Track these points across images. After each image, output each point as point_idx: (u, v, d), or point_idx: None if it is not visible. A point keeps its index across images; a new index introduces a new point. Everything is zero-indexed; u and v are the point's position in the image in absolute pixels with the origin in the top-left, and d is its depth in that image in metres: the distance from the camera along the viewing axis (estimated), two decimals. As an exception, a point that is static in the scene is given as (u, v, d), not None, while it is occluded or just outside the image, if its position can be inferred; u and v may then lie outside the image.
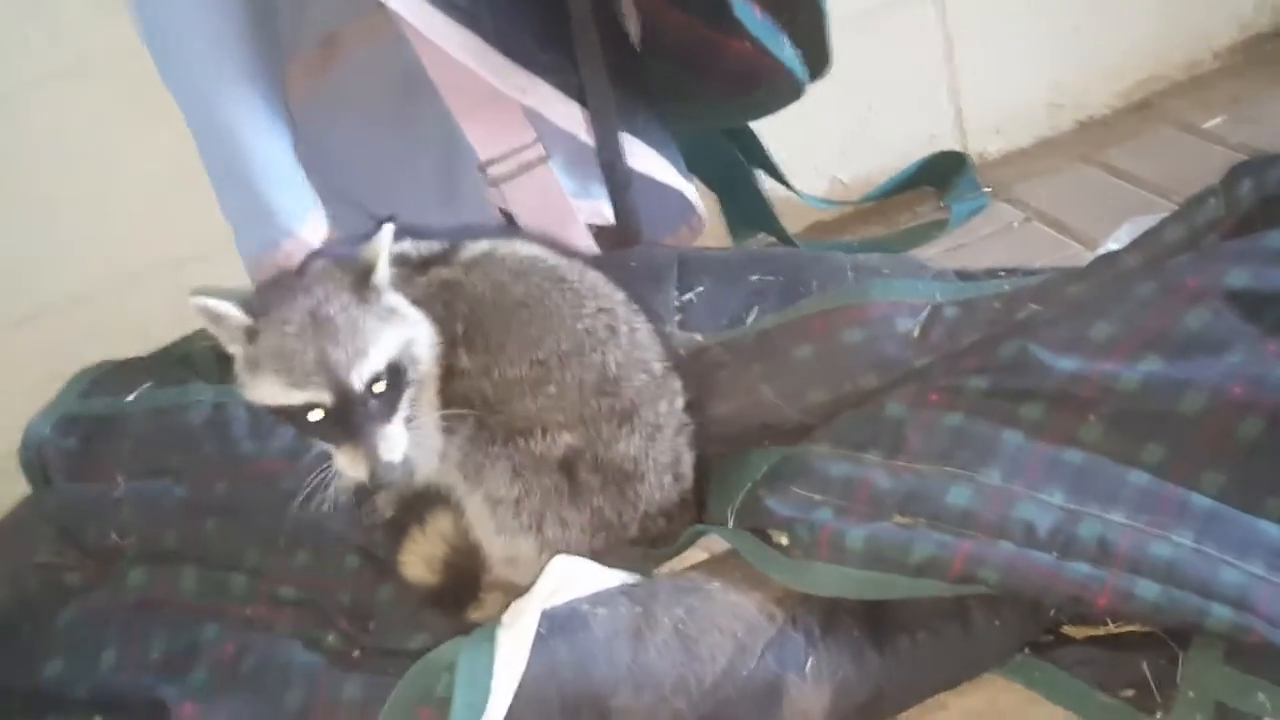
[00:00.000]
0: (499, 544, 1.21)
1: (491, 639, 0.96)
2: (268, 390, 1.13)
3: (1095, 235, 1.64)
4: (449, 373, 1.19)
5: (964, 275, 1.40)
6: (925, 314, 1.28)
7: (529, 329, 1.20)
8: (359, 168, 1.61)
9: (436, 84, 1.47)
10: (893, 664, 1.04)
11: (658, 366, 1.25)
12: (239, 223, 1.49)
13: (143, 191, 1.79)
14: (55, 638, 1.25)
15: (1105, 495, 1.03)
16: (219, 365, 1.52)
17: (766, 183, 1.89)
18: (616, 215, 1.58)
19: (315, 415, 1.11)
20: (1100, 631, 1.06)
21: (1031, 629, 1.07)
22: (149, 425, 1.51)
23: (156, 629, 1.23)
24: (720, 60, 1.57)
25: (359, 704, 1.09)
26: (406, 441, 1.13)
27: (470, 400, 1.19)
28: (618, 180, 1.55)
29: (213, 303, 1.12)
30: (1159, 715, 0.98)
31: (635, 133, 1.56)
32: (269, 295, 1.17)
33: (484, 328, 1.20)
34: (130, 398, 1.55)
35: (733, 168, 1.85)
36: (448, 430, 1.20)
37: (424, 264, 1.26)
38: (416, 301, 1.20)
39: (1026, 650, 1.07)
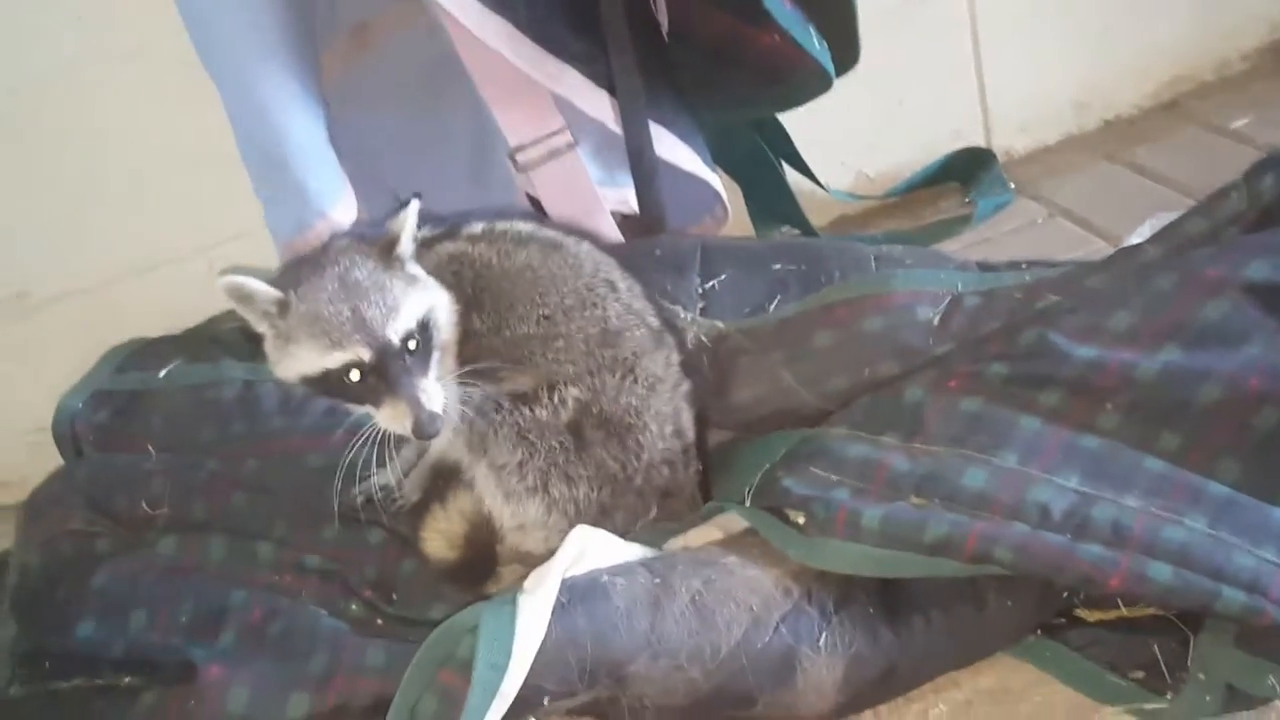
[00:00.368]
0: (508, 511, 1.24)
1: (513, 604, 0.98)
2: (305, 358, 1.16)
3: (1119, 232, 1.65)
4: (463, 335, 1.23)
5: (986, 267, 1.41)
6: (946, 303, 1.30)
7: (534, 289, 1.25)
8: (390, 153, 1.64)
9: (469, 70, 1.49)
10: (906, 641, 1.05)
11: (654, 321, 1.29)
12: (272, 203, 1.52)
13: (177, 174, 1.82)
14: (87, 600, 1.28)
15: (1121, 480, 1.04)
16: (249, 345, 1.55)
17: (792, 176, 1.91)
18: (642, 204, 1.60)
19: (355, 375, 1.14)
20: (1112, 615, 1.07)
21: (1044, 611, 1.08)
22: (180, 401, 1.54)
23: (186, 594, 1.25)
24: (749, 52, 1.59)
25: (382, 669, 1.11)
26: (443, 396, 1.16)
27: (485, 360, 1.22)
28: (644, 169, 1.58)
29: (241, 281, 1.15)
30: (1169, 697, 0.99)
31: (663, 122, 1.59)
32: (295, 271, 1.20)
33: (492, 290, 1.25)
34: (162, 374, 1.59)
35: (758, 160, 1.87)
36: (464, 400, 1.22)
37: (429, 242, 1.29)
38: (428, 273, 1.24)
39: (1039, 632, 1.08)
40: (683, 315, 1.39)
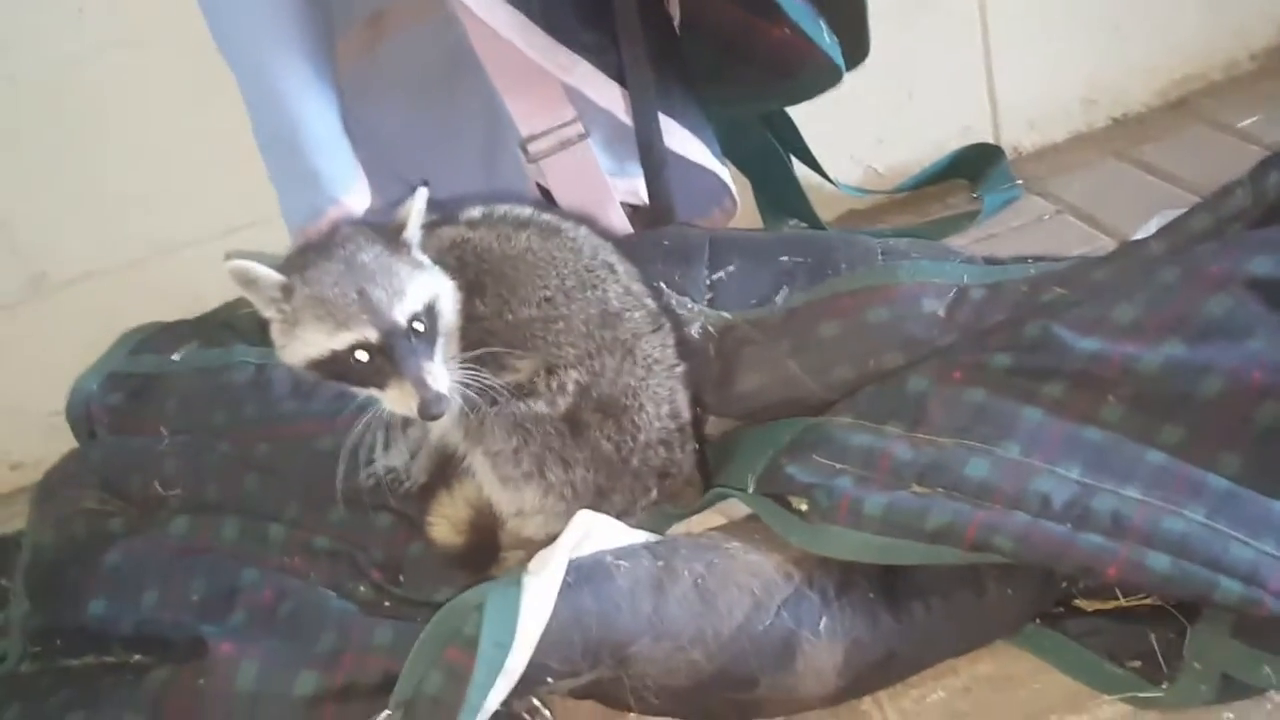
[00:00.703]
0: (505, 497, 1.26)
1: (518, 583, 1.00)
2: (311, 340, 1.16)
3: (1126, 229, 1.65)
4: (466, 321, 1.24)
5: (992, 261, 1.42)
6: (952, 295, 1.31)
7: (535, 271, 1.26)
8: (403, 143, 1.65)
9: (482, 60, 1.51)
10: (906, 627, 1.06)
11: (651, 304, 1.31)
12: (285, 189, 1.54)
13: (195, 160, 1.84)
14: (99, 579, 1.30)
15: (1122, 472, 1.05)
16: (262, 330, 1.56)
17: (801, 170, 1.92)
18: (651, 195, 1.61)
19: (361, 355, 1.15)
20: (1110, 605, 1.08)
21: (1043, 600, 1.09)
22: (194, 384, 1.56)
23: (197, 573, 1.27)
24: (759, 45, 1.60)
25: (389, 647, 1.13)
26: (449, 380, 1.17)
27: (487, 345, 1.23)
28: (654, 160, 1.59)
29: (247, 265, 1.16)
30: (1165, 686, 1.00)
31: (673, 114, 1.60)
32: (302, 256, 1.21)
33: (494, 274, 1.26)
34: (176, 357, 1.61)
35: (768, 153, 1.88)
36: (464, 386, 1.23)
37: (428, 227, 1.29)
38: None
39: (1037, 621, 1.09)
40: (690, 305, 1.40)
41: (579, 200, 1.57)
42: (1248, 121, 1.92)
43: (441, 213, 1.32)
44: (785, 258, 1.45)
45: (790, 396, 1.32)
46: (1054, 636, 1.08)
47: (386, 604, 1.26)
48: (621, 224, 1.59)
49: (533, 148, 1.55)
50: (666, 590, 1.04)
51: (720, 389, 1.35)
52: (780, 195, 1.91)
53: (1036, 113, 2.07)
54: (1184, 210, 1.33)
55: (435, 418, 1.17)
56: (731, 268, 1.46)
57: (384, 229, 1.21)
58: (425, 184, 1.24)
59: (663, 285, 1.40)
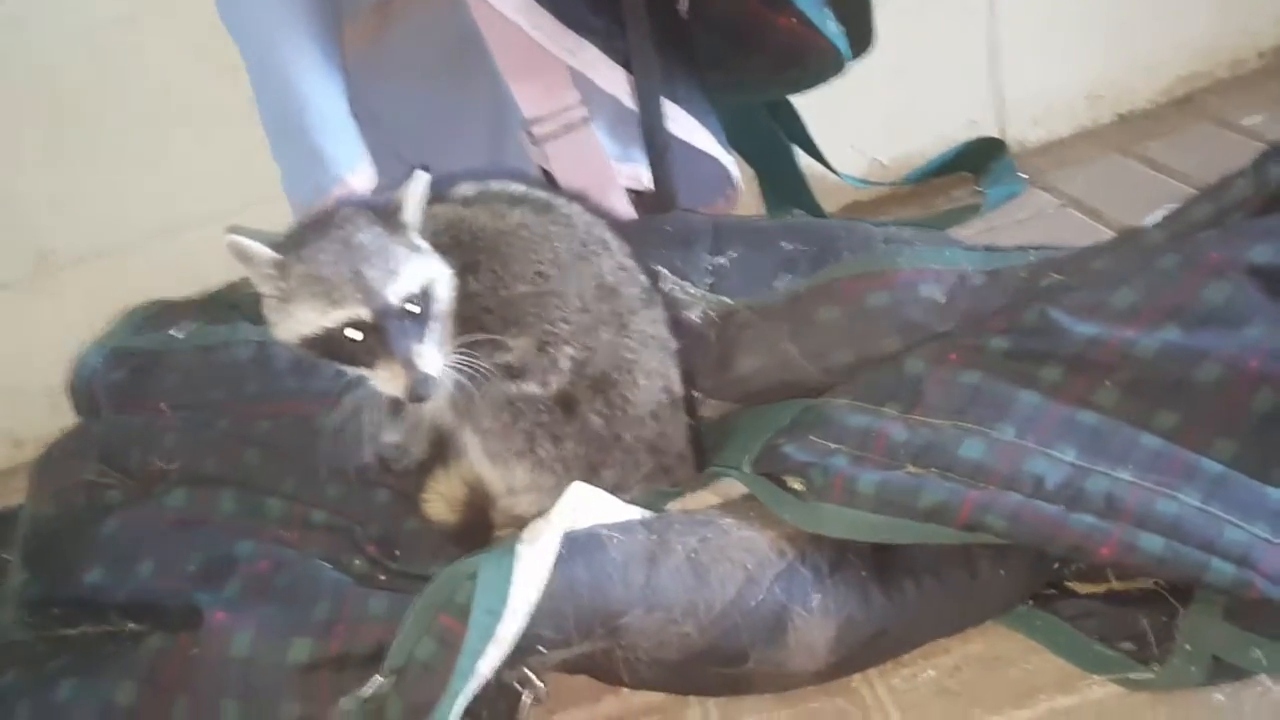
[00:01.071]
0: (495, 475, 1.26)
1: (512, 553, 1.01)
2: (304, 317, 1.16)
3: (1128, 223, 1.65)
4: (461, 299, 1.23)
5: (992, 249, 1.43)
6: (952, 281, 1.31)
7: (529, 246, 1.25)
8: (408, 125, 1.66)
9: (488, 43, 1.52)
10: (898, 605, 1.06)
11: (644, 279, 1.31)
12: (290, 168, 1.55)
13: (200, 140, 1.85)
14: (97, 548, 1.30)
15: (1116, 455, 1.05)
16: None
17: (804, 160, 1.92)
18: (654, 181, 1.62)
19: (353, 334, 1.14)
20: (1102, 588, 1.08)
21: (1036, 581, 1.09)
22: (195, 361, 1.56)
23: (194, 544, 1.28)
24: (765, 33, 1.61)
25: (383, 618, 1.13)
26: (440, 361, 1.16)
27: (480, 323, 1.23)
28: (658, 146, 1.60)
29: (243, 242, 1.16)
30: (1155, 667, 1.00)
31: (677, 101, 1.61)
32: (300, 234, 1.20)
33: (488, 251, 1.25)
34: (179, 334, 1.61)
35: (772, 143, 1.89)
36: (458, 369, 1.23)
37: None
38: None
39: (1029, 602, 1.09)
40: (691, 290, 1.41)
41: (582, 185, 1.57)
42: (1253, 119, 1.92)
43: (434, 190, 1.31)
44: (787, 244, 1.46)
45: (789, 380, 1.32)
46: (1046, 617, 1.08)
47: (382, 578, 1.26)
48: (624, 209, 1.60)
49: (537, 131, 1.56)
50: (659, 563, 1.04)
51: (719, 372, 1.36)
52: (784, 185, 1.92)
53: (1042, 108, 2.07)
54: (1186, 204, 1.33)
55: (422, 400, 1.16)
56: (733, 254, 1.46)
57: (384, 210, 1.20)
58: (425, 168, 1.23)
59: (664, 269, 1.41)
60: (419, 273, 1.17)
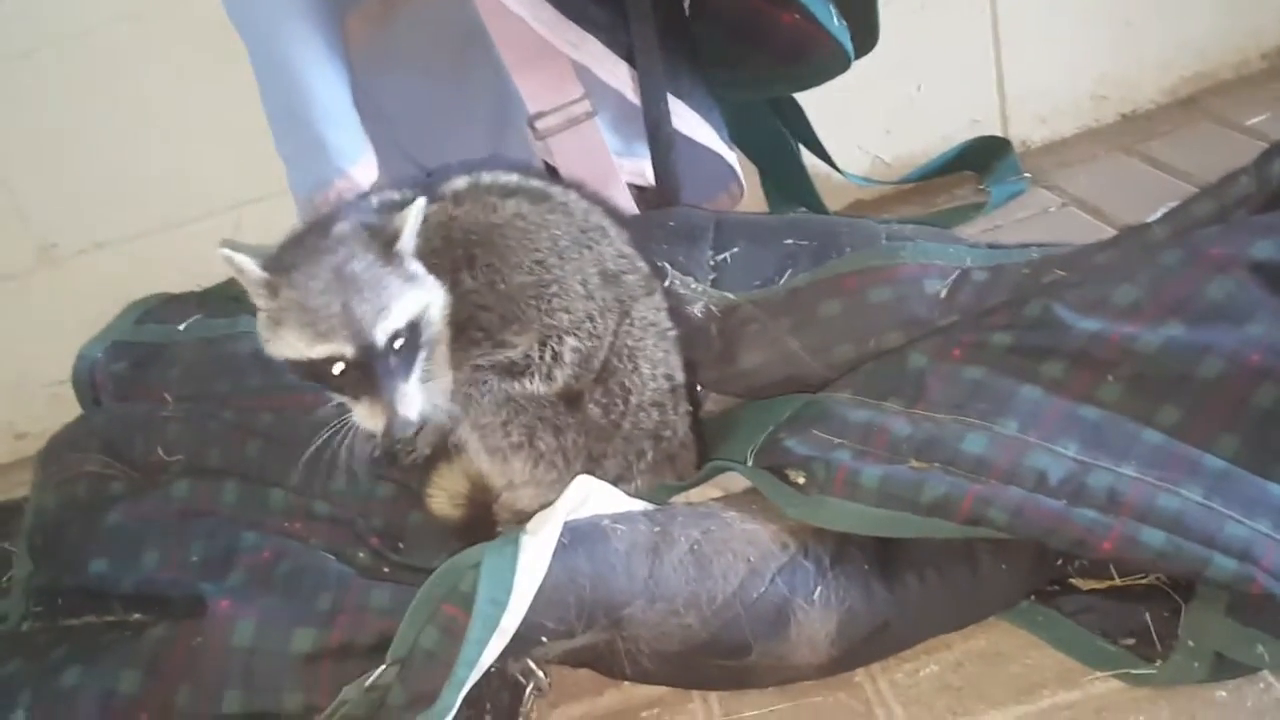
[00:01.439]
0: (495, 469, 1.26)
1: (515, 543, 1.01)
2: (291, 344, 1.14)
3: (1132, 222, 1.65)
4: (455, 297, 1.21)
5: (995, 246, 1.43)
6: (954, 277, 1.31)
7: (526, 236, 1.24)
8: (412, 118, 1.66)
9: (492, 35, 1.52)
10: (900, 599, 1.06)
11: (644, 266, 1.30)
12: (293, 160, 1.55)
13: (202, 134, 1.85)
14: (101, 539, 1.31)
15: (1118, 450, 1.05)
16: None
17: (808, 159, 1.92)
18: (658, 176, 1.62)
19: (337, 368, 1.13)
20: (1105, 584, 1.08)
21: (1038, 577, 1.09)
22: (198, 353, 1.57)
23: (197, 534, 1.28)
24: (769, 29, 1.61)
25: (386, 608, 1.14)
26: (422, 399, 1.16)
27: (478, 321, 1.22)
28: (661, 141, 1.59)
29: (235, 257, 1.14)
30: (1158, 663, 1.00)
31: (681, 96, 1.60)
32: (293, 252, 1.18)
33: (483, 245, 1.23)
34: (181, 327, 1.62)
35: (776, 140, 1.89)
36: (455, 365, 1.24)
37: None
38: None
39: (1032, 597, 1.10)
40: (694, 285, 1.41)
41: (585, 179, 1.57)
42: (1257, 120, 1.92)
43: (425, 185, 1.31)
44: (790, 240, 1.46)
45: (791, 374, 1.32)
46: (1048, 613, 1.08)
47: (385, 570, 1.27)
48: (627, 204, 1.60)
49: (540, 125, 1.56)
50: (662, 554, 1.05)
51: (722, 366, 1.36)
52: (787, 182, 1.92)
53: (1045, 107, 2.07)
54: (1189, 202, 1.33)
55: (399, 437, 1.17)
56: (736, 249, 1.46)
57: (380, 232, 1.16)
58: (424, 195, 1.20)
59: (667, 265, 1.41)
60: (411, 305, 1.15)
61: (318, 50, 1.49)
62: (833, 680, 1.08)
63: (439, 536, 1.29)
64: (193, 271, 1.78)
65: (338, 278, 1.12)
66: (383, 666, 1.00)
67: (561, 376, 1.23)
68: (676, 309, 1.33)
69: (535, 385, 1.23)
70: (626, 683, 1.14)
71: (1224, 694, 0.98)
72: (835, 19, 1.59)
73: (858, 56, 1.66)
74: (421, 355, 1.17)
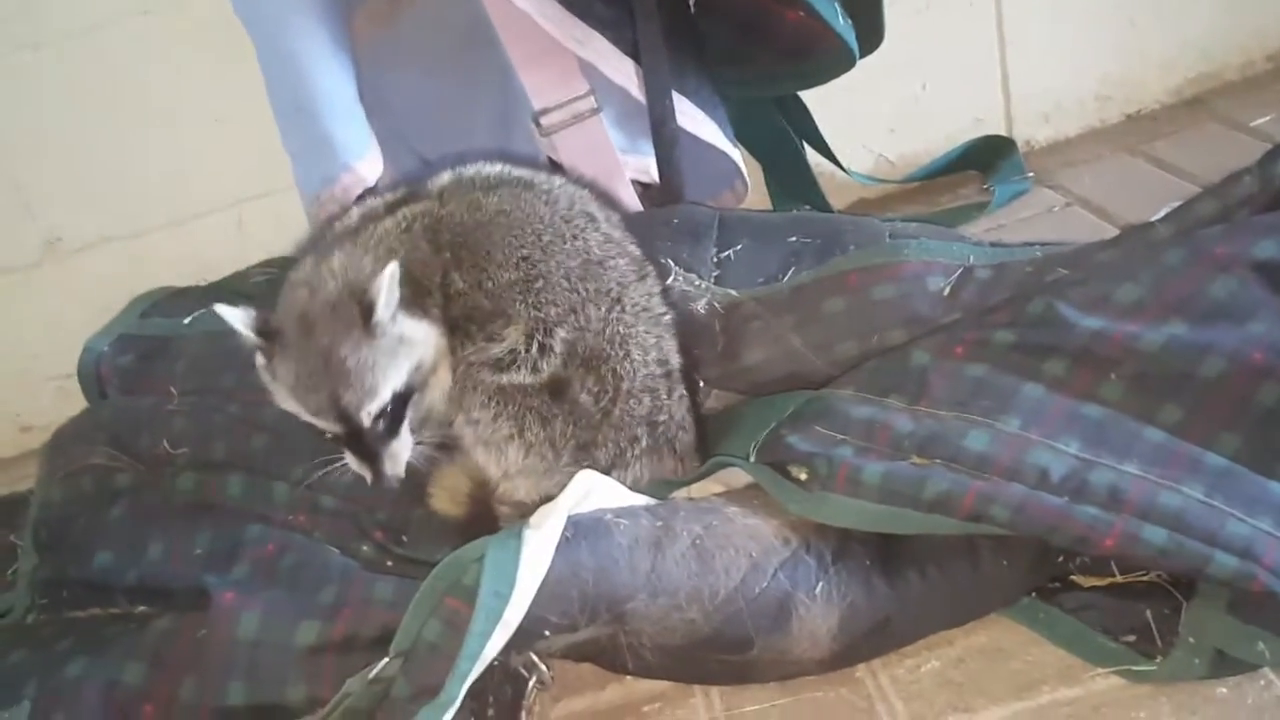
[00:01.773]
0: (491, 460, 1.26)
1: (519, 536, 1.01)
2: (286, 402, 1.22)
3: (1135, 222, 1.65)
4: (446, 298, 1.23)
5: (999, 245, 1.43)
6: (957, 274, 1.31)
7: (510, 232, 1.24)
8: (417, 114, 1.66)
9: (497, 31, 1.52)
10: (901, 595, 1.07)
11: (635, 250, 1.30)
12: (300, 155, 1.55)
13: (208, 128, 1.86)
14: (106, 532, 1.32)
15: (1120, 448, 1.06)
16: (274, 299, 1.57)
17: (812, 157, 1.93)
18: (662, 173, 1.62)
19: (329, 432, 1.21)
20: (1106, 581, 1.08)
21: (1039, 574, 1.09)
22: (204, 347, 1.57)
23: (202, 527, 1.29)
24: (774, 27, 1.61)
25: (389, 602, 1.14)
26: (410, 448, 1.22)
27: (470, 319, 1.23)
28: (666, 138, 1.60)
29: (227, 313, 1.20)
30: (1158, 660, 1.00)
31: (686, 93, 1.61)
32: (286, 312, 1.22)
33: (470, 245, 1.23)
34: (186, 321, 1.62)
35: (780, 138, 1.89)
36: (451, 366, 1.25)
37: (393, 206, 1.29)
38: (392, 248, 1.22)
39: (1033, 594, 1.10)
40: (697, 283, 1.41)
41: (589, 175, 1.58)
42: (1261, 120, 1.92)
43: (411, 186, 1.32)
44: (794, 238, 1.46)
45: (794, 371, 1.33)
46: (1048, 609, 1.08)
47: (389, 563, 1.27)
48: (631, 201, 1.61)
49: (545, 121, 1.57)
50: (665, 549, 1.05)
51: (725, 363, 1.36)
52: (791, 180, 1.92)
53: (1050, 107, 2.07)
54: (1192, 200, 1.34)
55: (388, 486, 1.22)
56: (739, 247, 1.47)
57: (360, 295, 1.16)
58: (412, 192, 1.23)
59: (670, 261, 1.41)
60: (399, 374, 1.19)
61: (324, 46, 1.50)
62: (834, 675, 1.09)
63: (442, 529, 1.29)
64: (197, 265, 1.79)
65: (325, 364, 1.16)
66: (386, 659, 1.00)
67: (549, 367, 1.23)
68: (670, 294, 1.34)
69: (523, 376, 1.23)
70: (628, 677, 1.14)
71: (1225, 691, 0.98)
72: (840, 17, 1.59)
73: (863, 55, 1.66)
74: (411, 407, 1.22)
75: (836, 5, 1.58)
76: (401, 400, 1.20)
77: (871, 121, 2.04)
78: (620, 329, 1.24)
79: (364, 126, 1.55)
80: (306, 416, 1.20)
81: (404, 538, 1.30)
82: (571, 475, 1.18)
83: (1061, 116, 2.08)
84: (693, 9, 1.66)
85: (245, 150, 1.80)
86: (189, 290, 1.72)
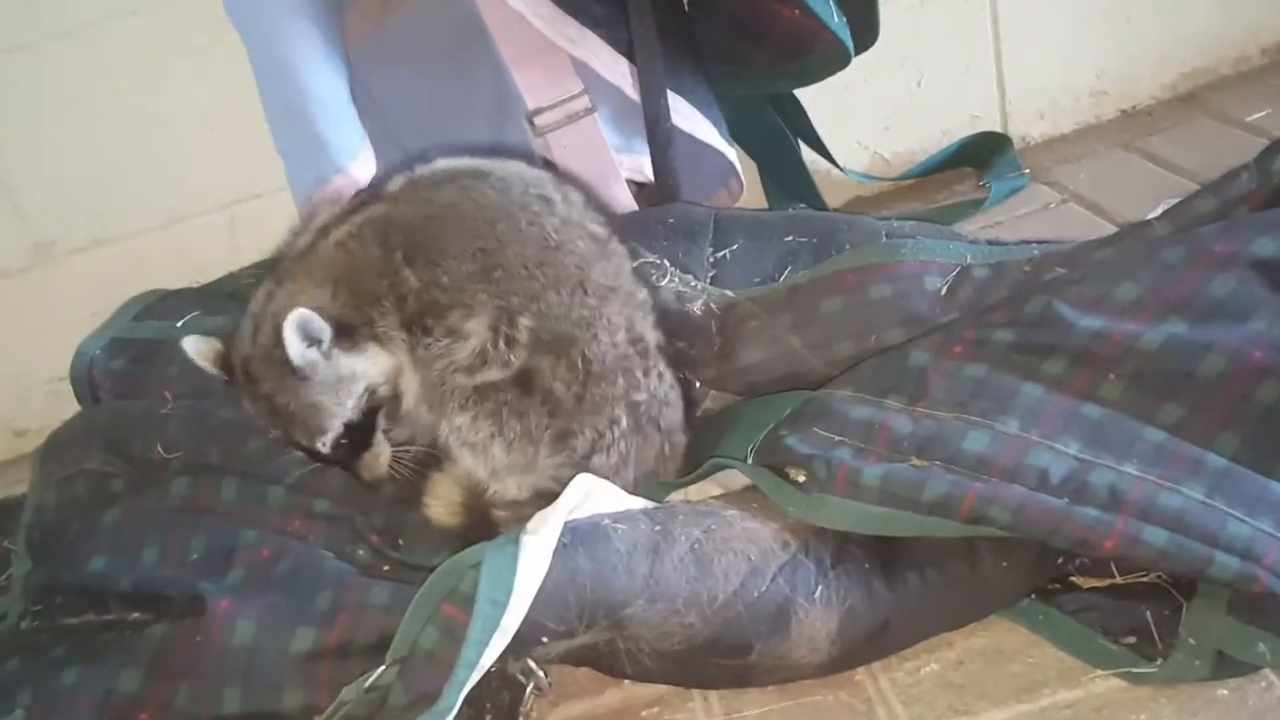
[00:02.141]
0: (477, 462, 1.24)
1: (516, 542, 1.00)
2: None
3: (1131, 217, 1.65)
4: (399, 299, 1.20)
5: (995, 243, 1.42)
6: (955, 273, 1.30)
7: (464, 224, 1.21)
8: (410, 114, 1.66)
9: (490, 31, 1.51)
10: (901, 597, 1.06)
11: (598, 230, 1.27)
12: (291, 157, 1.54)
13: (200, 131, 1.85)
14: (100, 537, 1.30)
15: (1120, 449, 1.05)
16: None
17: (808, 155, 1.92)
18: (657, 173, 1.61)
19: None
20: (1106, 582, 1.08)
21: (1040, 576, 1.09)
22: (197, 350, 1.56)
23: (197, 532, 1.27)
24: (769, 25, 1.60)
25: (386, 606, 1.13)
26: (389, 454, 1.25)
27: (428, 313, 1.20)
28: (660, 137, 1.59)
29: (190, 348, 1.25)
30: (1159, 662, 1.00)
31: (681, 92, 1.60)
32: (241, 352, 1.24)
33: (423, 243, 1.21)
34: (179, 324, 1.61)
35: (776, 137, 1.88)
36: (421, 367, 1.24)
37: (346, 214, 1.27)
38: (333, 273, 1.21)
39: (1033, 596, 1.09)
40: (693, 283, 1.41)
41: (584, 175, 1.57)
42: (1256, 116, 1.92)
43: (370, 190, 1.32)
44: (790, 237, 1.45)
45: (792, 371, 1.32)
46: (1049, 611, 1.07)
47: (385, 567, 1.25)
48: (626, 200, 1.60)
49: (539, 120, 1.56)
50: (663, 554, 1.04)
51: (721, 364, 1.35)
52: (787, 179, 1.92)
53: (1045, 103, 2.07)
54: (1189, 197, 1.33)
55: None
56: (735, 246, 1.46)
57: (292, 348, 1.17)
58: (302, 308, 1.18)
59: (665, 261, 1.40)
60: (343, 408, 1.21)
61: (316, 47, 1.49)
62: (833, 679, 1.08)
63: (439, 533, 1.28)
64: (190, 267, 1.79)
65: (271, 409, 1.21)
66: (383, 667, 0.99)
67: (518, 360, 1.20)
68: (642, 273, 1.34)
69: (495, 372, 1.21)
70: (627, 682, 1.13)
71: (1225, 692, 0.97)
72: (835, 15, 1.59)
73: (858, 52, 1.65)
74: (383, 417, 1.24)
75: (831, 3, 1.58)
76: (362, 424, 1.22)
77: (866, 119, 2.04)
78: (584, 312, 1.21)
79: (357, 127, 1.54)
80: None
81: (400, 541, 1.29)
82: (556, 466, 1.19)
83: (1057, 112, 2.08)
84: (687, 7, 1.65)
85: (237, 151, 1.79)
86: (182, 293, 1.71)
